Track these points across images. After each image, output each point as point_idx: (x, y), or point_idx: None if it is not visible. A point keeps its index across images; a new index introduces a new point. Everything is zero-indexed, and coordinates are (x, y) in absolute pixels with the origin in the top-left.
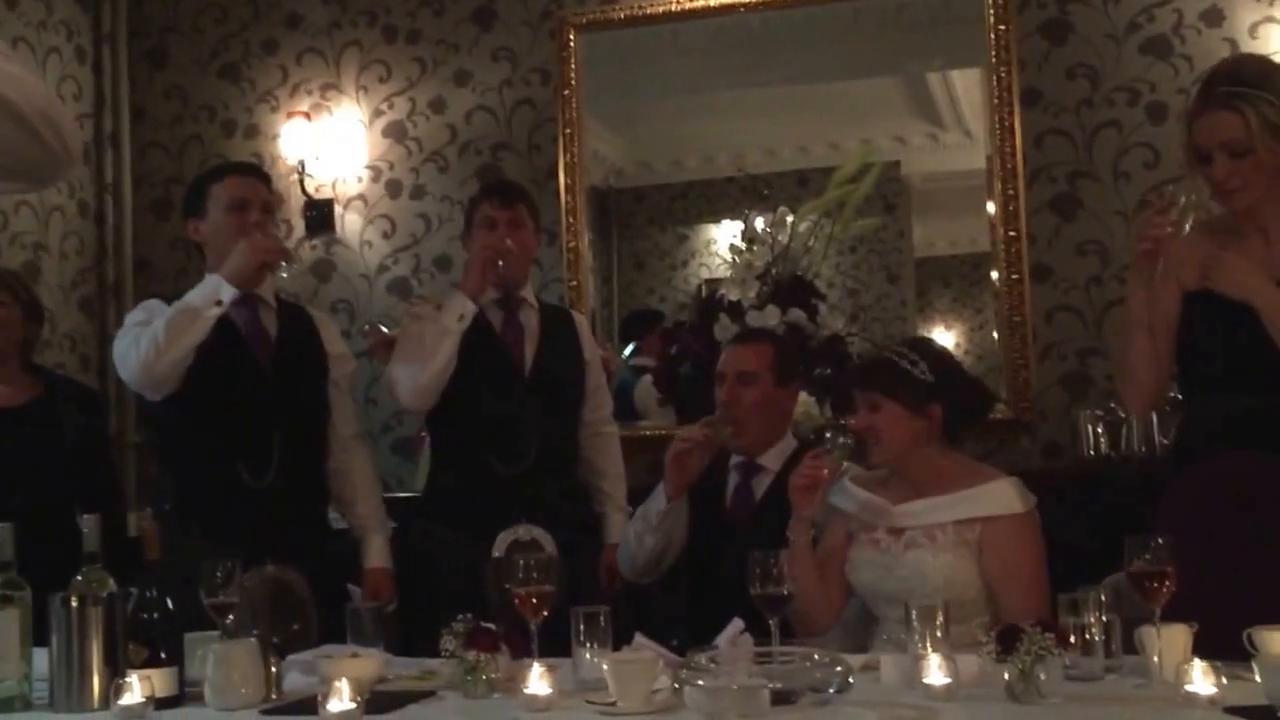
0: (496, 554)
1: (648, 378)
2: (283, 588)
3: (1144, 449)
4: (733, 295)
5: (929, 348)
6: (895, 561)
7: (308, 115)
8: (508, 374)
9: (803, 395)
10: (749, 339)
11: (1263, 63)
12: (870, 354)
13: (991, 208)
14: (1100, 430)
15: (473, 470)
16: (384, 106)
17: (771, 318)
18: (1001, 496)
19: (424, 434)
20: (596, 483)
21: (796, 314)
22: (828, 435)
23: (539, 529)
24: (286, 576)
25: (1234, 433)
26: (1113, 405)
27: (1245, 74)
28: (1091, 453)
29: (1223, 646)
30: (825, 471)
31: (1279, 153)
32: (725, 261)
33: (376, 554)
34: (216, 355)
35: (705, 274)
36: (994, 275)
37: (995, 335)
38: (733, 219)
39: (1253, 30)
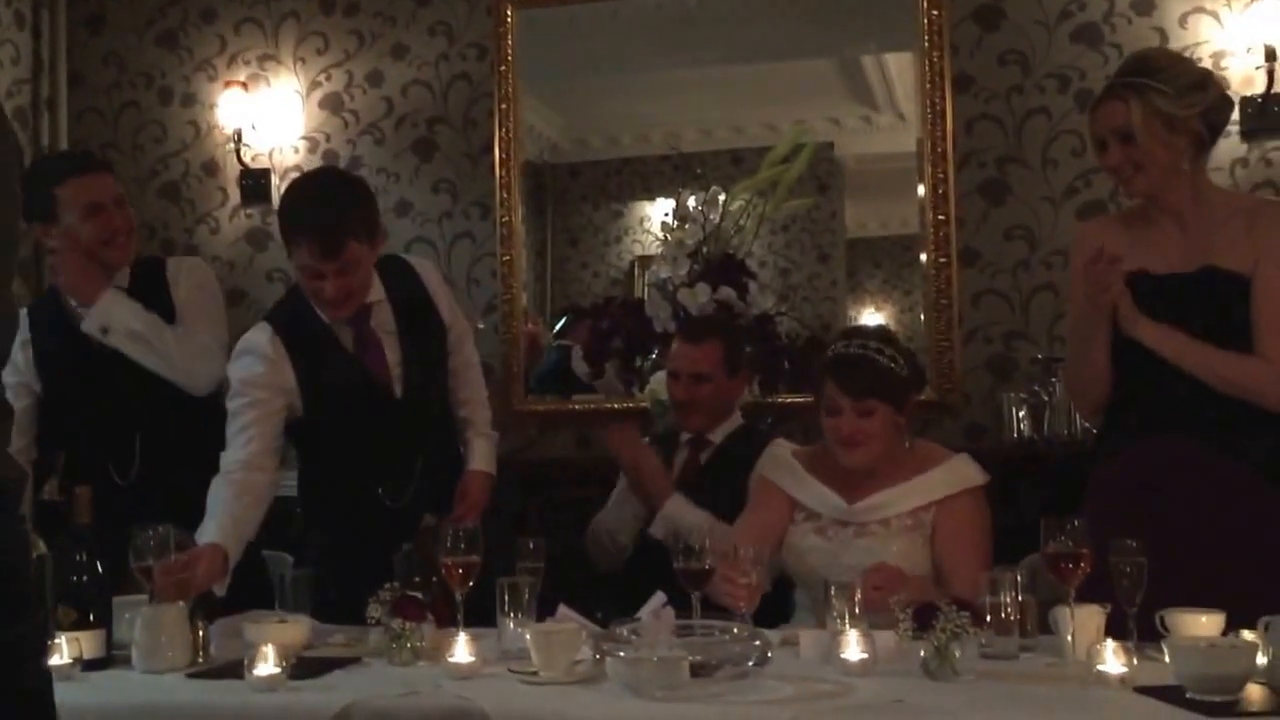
0: (407, 547)
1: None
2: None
3: (1066, 432)
4: (663, 272)
5: (894, 339)
6: (844, 548)
7: (245, 85)
8: (377, 405)
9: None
10: (699, 338)
11: (1167, 55)
12: (847, 349)
13: (921, 191)
14: (1023, 413)
15: (357, 502)
16: (321, 78)
17: (701, 295)
18: (958, 473)
19: None
20: (458, 413)
21: (726, 292)
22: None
23: (435, 518)
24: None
25: (1162, 418)
26: (1036, 388)
27: (1146, 65)
28: (1014, 435)
29: (1143, 629)
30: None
31: (1173, 143)
32: (658, 239)
33: None
34: (65, 362)
35: (639, 251)
36: (923, 258)
37: (922, 317)
38: (667, 197)
39: (1182, 20)
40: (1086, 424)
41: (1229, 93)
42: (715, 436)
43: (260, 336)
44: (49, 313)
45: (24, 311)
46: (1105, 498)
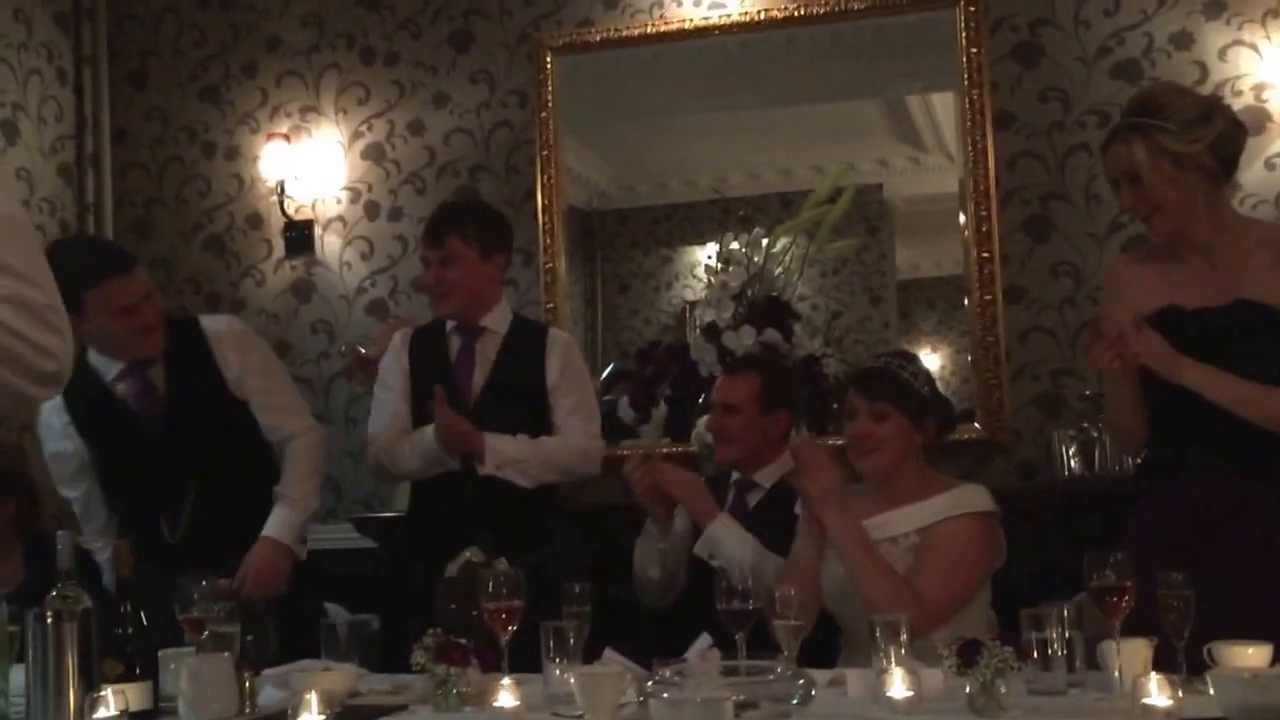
0: (449, 575)
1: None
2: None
3: (1117, 469)
4: (708, 316)
5: (919, 362)
6: None
7: (287, 137)
8: (454, 404)
9: None
10: (736, 370)
11: (1170, 91)
12: (871, 363)
13: (966, 229)
14: (1073, 450)
15: (423, 502)
16: (363, 128)
17: (746, 338)
18: (964, 498)
19: None
20: None
21: (772, 334)
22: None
23: (483, 553)
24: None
25: (1194, 455)
26: (1085, 425)
27: (1148, 104)
28: (1065, 473)
29: (1191, 663)
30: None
31: (1183, 180)
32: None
33: (271, 524)
34: (106, 430)
35: (690, 296)
36: (966, 299)
37: (969, 356)
38: (716, 241)
39: (1221, 54)
40: (1137, 460)
41: (1273, 124)
42: (763, 479)
43: (401, 333)
44: (79, 377)
45: None
46: (1146, 533)
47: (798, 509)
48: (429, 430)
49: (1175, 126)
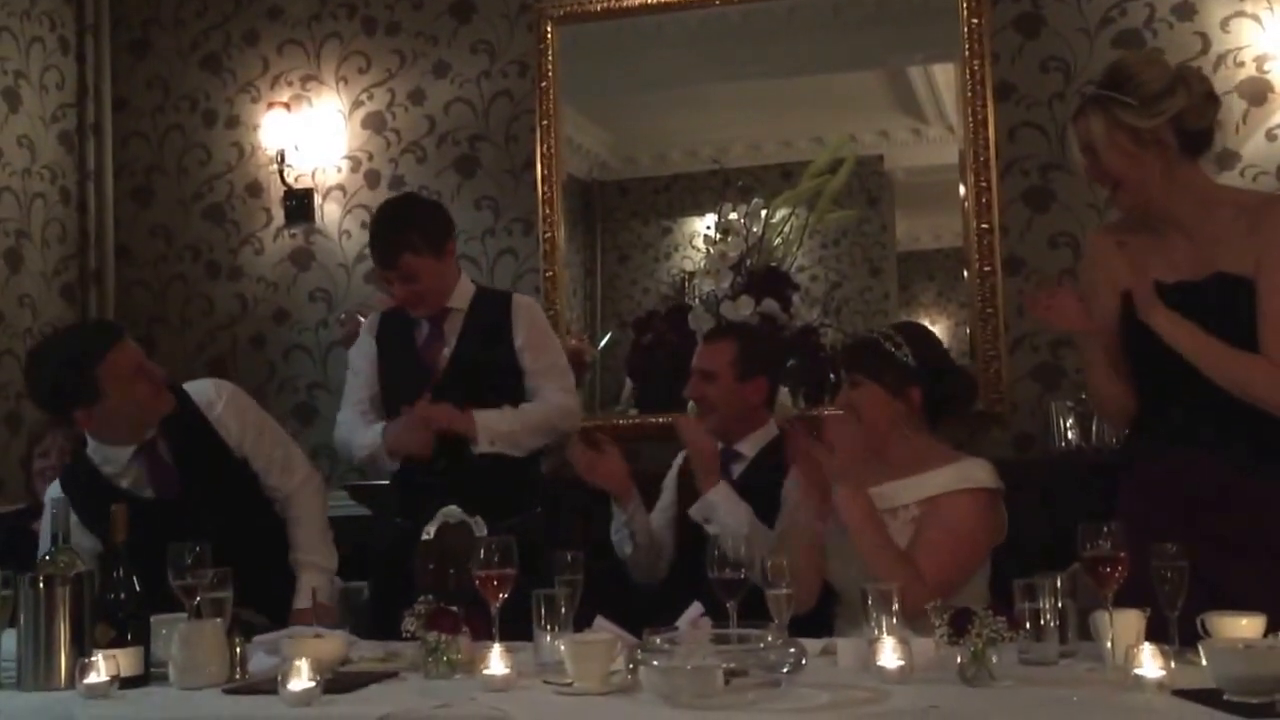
0: (426, 536)
1: None
2: (252, 630)
3: (1114, 441)
4: (707, 285)
5: (915, 333)
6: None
7: (288, 106)
8: (422, 386)
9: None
10: (714, 337)
11: (1138, 63)
12: (858, 335)
13: (966, 201)
14: (1071, 421)
15: (402, 472)
16: (363, 97)
17: (744, 308)
18: (966, 473)
19: None
20: None
21: (770, 305)
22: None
23: (460, 514)
24: (252, 619)
25: (1181, 431)
26: (1084, 397)
27: (1114, 76)
28: (1062, 444)
29: (1185, 634)
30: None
31: (1139, 156)
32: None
33: (300, 595)
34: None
35: (689, 267)
36: (966, 269)
37: (968, 328)
38: (715, 212)
39: (1224, 24)
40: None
41: (1274, 96)
42: (746, 449)
43: (370, 318)
44: (77, 476)
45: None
46: (1137, 506)
47: (787, 482)
48: (378, 428)
49: (1136, 101)
